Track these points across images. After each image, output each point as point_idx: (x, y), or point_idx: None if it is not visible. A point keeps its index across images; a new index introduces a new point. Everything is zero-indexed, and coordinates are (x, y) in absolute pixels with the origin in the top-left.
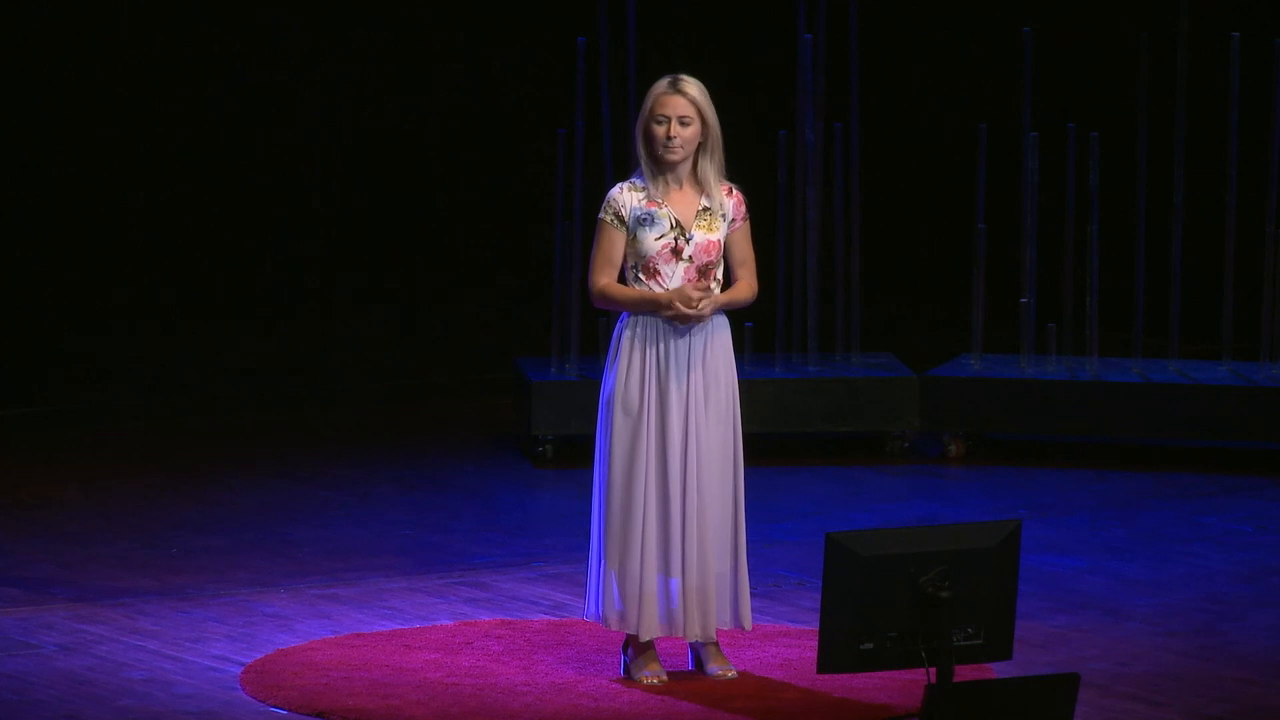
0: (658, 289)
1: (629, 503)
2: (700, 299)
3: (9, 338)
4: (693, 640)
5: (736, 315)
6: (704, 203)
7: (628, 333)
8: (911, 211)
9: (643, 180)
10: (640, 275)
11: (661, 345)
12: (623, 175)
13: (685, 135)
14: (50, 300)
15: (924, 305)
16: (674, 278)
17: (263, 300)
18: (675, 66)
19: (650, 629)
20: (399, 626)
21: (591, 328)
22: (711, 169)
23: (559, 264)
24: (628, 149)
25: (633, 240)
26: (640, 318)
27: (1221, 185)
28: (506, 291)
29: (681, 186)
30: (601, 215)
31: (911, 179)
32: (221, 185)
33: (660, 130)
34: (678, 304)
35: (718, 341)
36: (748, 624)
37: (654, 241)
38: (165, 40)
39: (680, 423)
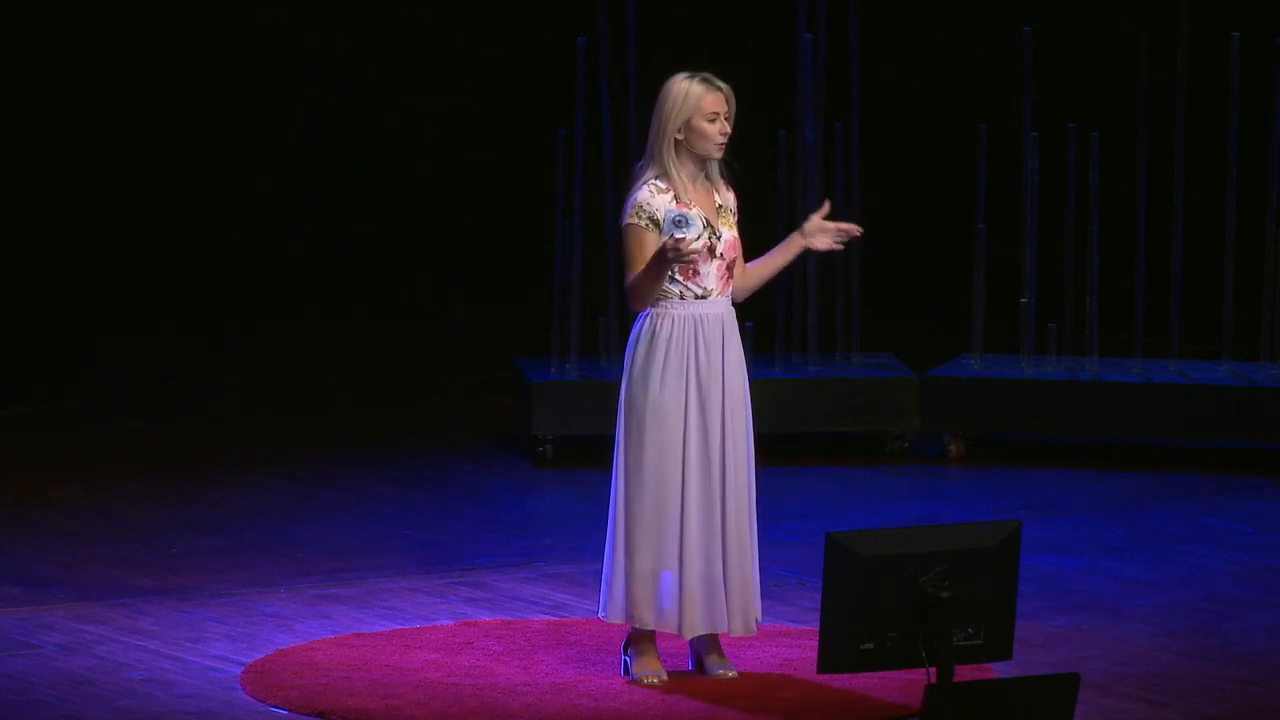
0: (695, 289)
1: (666, 504)
2: (686, 251)
3: (9, 338)
4: (735, 634)
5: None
6: (718, 200)
7: (661, 330)
8: (912, 211)
9: (663, 182)
10: (677, 276)
11: (695, 341)
12: (622, 175)
13: (728, 132)
14: (51, 300)
15: (924, 305)
16: (709, 276)
17: (262, 300)
18: (675, 67)
19: (693, 627)
20: (399, 626)
21: (591, 328)
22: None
23: (559, 264)
24: (628, 149)
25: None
26: (665, 316)
27: (1221, 185)
28: (506, 291)
29: (695, 185)
30: (634, 220)
31: (911, 179)
32: (221, 185)
33: (714, 128)
34: (673, 249)
35: (735, 335)
36: (760, 616)
37: (694, 243)
38: (165, 40)
39: (718, 418)
